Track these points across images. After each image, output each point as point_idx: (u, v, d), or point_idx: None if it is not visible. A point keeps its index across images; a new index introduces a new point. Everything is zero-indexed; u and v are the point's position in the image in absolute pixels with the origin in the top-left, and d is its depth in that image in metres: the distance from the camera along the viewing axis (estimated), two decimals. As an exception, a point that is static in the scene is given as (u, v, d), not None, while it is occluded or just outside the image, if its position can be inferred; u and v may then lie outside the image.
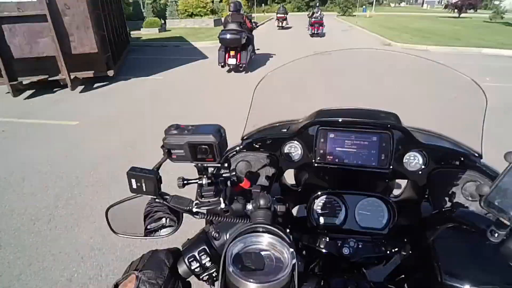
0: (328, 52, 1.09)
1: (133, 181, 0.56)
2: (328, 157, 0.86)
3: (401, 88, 1.14)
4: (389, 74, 1.15)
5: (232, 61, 6.62)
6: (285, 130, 0.95)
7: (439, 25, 18.69)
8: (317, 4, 16.06)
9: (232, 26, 6.55)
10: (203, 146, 0.58)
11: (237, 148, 0.94)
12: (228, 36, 6.41)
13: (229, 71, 7.11)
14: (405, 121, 0.86)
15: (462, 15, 25.56)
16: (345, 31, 17.08)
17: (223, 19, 7.70)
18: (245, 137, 0.96)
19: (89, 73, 6.05)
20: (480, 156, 0.84)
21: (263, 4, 46.64)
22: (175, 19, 18.74)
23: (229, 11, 6.98)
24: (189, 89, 6.10)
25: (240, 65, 6.75)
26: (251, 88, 0.98)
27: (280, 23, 18.12)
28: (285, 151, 0.91)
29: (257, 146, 0.93)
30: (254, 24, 7.97)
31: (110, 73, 6.25)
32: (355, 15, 30.07)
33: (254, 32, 8.03)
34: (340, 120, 0.85)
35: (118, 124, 4.33)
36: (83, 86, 6.16)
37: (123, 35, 10.22)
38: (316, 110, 0.91)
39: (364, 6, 37.44)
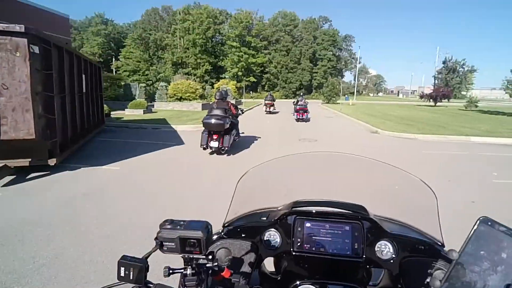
0: (306, 153, 1.30)
1: (122, 269, 0.63)
2: (305, 245, 0.91)
3: (366, 185, 1.25)
4: (357, 173, 1.28)
5: (214, 144, 6.70)
6: (265, 218, 1.01)
7: (419, 113, 19.50)
8: (301, 94, 17.55)
9: (216, 112, 6.79)
10: (192, 240, 0.67)
11: (218, 235, 0.97)
12: (211, 121, 6.60)
13: (211, 153, 7.04)
14: (371, 212, 0.95)
15: (438, 104, 27.47)
16: (330, 118, 17.38)
17: (211, 103, 8.14)
18: (226, 224, 1.01)
19: (24, 162, 4.96)
20: (443, 245, 0.91)
21: (251, 92, 50.50)
22: (163, 102, 19.10)
23: (215, 98, 7.35)
24: (147, 184, 4.98)
25: (222, 148, 6.80)
26: (231, 170, 1.62)
27: (268, 108, 19.25)
28: (265, 239, 0.95)
29: (237, 233, 0.97)
30: (240, 110, 8.34)
31: (52, 161, 5.18)
32: (339, 103, 32.12)
33: (241, 117, 8.68)
34: (313, 211, 0.94)
35: (9, 245, 2.99)
36: (14, 177, 4.98)
37: (97, 116, 9.67)
38: (293, 201, 0.98)
39: (346, 95, 40.74)
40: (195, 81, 44.49)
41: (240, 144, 8.15)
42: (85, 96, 8.19)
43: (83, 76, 7.95)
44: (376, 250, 0.90)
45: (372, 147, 8.27)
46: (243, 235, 0.97)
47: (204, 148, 6.82)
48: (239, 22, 47.67)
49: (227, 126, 6.72)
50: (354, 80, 77.65)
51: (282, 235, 0.94)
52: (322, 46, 50.78)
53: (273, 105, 19.58)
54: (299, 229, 0.92)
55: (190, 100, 19.11)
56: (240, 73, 48.33)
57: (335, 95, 31.73)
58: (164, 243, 0.68)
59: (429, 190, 0.97)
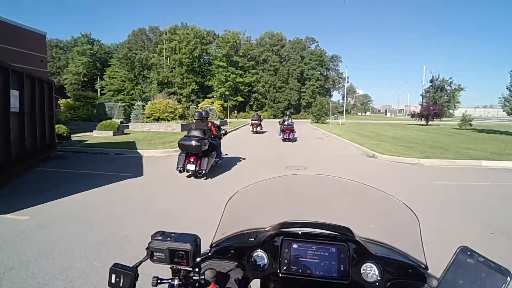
0: (294, 175, 2.25)
1: (113, 276, 0.66)
2: (292, 267, 0.91)
3: (351, 207, 1.27)
4: (342, 195, 1.30)
5: (191, 166, 6.20)
6: (253, 239, 1.00)
7: (413, 133, 18.47)
8: (287, 113, 17.25)
9: (195, 133, 6.44)
10: (181, 252, 0.71)
11: (206, 256, 0.97)
12: (187, 142, 6.19)
13: (188, 176, 6.44)
14: (357, 234, 0.95)
15: (429, 123, 26.79)
16: (320, 139, 16.06)
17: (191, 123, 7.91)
18: (213, 245, 1.01)
19: None
20: (426, 268, 0.91)
21: (236, 111, 49.53)
22: (139, 122, 17.48)
23: (194, 119, 7.04)
24: (52, 249, 3.29)
25: (199, 171, 6.26)
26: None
27: (254, 128, 18.65)
28: (252, 260, 0.95)
29: (225, 253, 0.97)
30: (222, 131, 7.96)
31: None
32: (328, 122, 31.17)
33: (226, 137, 8.68)
34: (300, 232, 0.95)
35: None
36: None
37: (42, 140, 7.96)
38: (280, 222, 0.97)
39: (335, 115, 40.05)
40: (180, 101, 43.34)
41: (222, 166, 7.61)
42: (18, 116, 6.56)
43: (15, 92, 6.35)
44: (362, 272, 0.90)
45: (373, 177, 6.82)
46: (230, 256, 0.97)
47: (180, 171, 6.28)
48: (226, 42, 47.41)
49: (205, 147, 6.27)
50: (342, 99, 78.60)
51: (269, 256, 0.94)
52: (310, 66, 50.84)
53: (259, 124, 18.97)
54: (286, 250, 0.93)
55: (169, 120, 17.56)
56: (227, 93, 47.45)
57: (324, 115, 30.82)
58: (154, 253, 0.73)
59: (412, 214, 0.99)
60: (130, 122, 17.73)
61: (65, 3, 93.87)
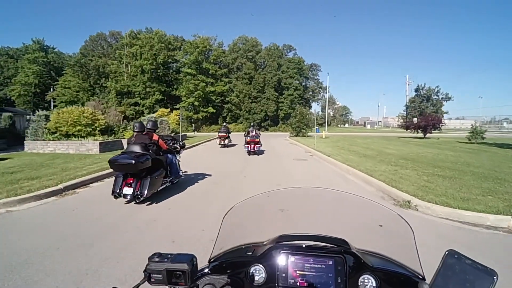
0: (289, 188, 1.37)
1: None
2: (290, 280, 0.90)
3: (346, 219, 1.30)
4: (337, 207, 1.32)
5: (127, 190, 4.90)
6: (250, 253, 1.00)
7: (421, 150, 14.08)
8: (252, 124, 15.90)
9: (133, 148, 5.21)
10: (178, 272, 0.73)
11: (204, 271, 0.96)
12: (119, 160, 4.90)
13: (127, 202, 5.04)
14: (353, 246, 0.94)
15: (427, 135, 22.84)
16: (302, 162, 11.10)
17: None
18: (212, 260, 1.02)
19: None
20: (424, 278, 0.90)
21: (208, 123, 44.35)
22: (39, 141, 11.83)
23: (133, 131, 5.78)
24: None
25: (139, 196, 4.90)
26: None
27: (222, 141, 16.79)
28: (250, 274, 0.94)
29: (223, 268, 0.97)
30: (178, 144, 6.72)
31: None
32: (310, 136, 26.66)
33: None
34: (299, 245, 0.95)
35: None
36: None
37: None
38: (277, 235, 0.98)
39: (317, 127, 35.88)
40: (143, 113, 37.49)
41: (179, 185, 6.34)
42: None
43: None
44: (359, 284, 0.89)
45: None
46: (228, 271, 0.97)
47: (116, 197, 4.95)
48: (195, 47, 42.56)
49: (144, 165, 4.95)
50: (322, 111, 75.59)
51: (267, 270, 0.94)
52: (288, 74, 46.84)
53: (227, 137, 16.97)
54: (284, 263, 0.92)
55: (83, 137, 12.01)
56: (196, 103, 42.22)
57: (305, 127, 26.29)
58: (152, 275, 0.74)
59: (406, 224, 1.00)
60: (26, 140, 11.99)
61: (20, 9, 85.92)
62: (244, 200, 1.17)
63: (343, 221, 1.28)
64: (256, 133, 13.21)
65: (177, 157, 6.65)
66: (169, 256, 0.77)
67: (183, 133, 21.86)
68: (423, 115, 35.09)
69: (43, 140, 11.99)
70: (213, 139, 23.58)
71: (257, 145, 12.63)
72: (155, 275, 0.74)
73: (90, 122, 12.03)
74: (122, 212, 4.67)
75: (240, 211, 1.15)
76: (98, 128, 12.17)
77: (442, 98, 37.49)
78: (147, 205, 5.05)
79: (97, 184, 6.83)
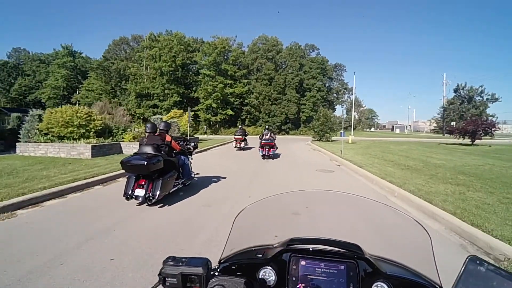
0: (301, 190, 1.27)
1: None
2: (300, 284, 0.88)
3: (360, 224, 1.23)
4: (351, 211, 1.28)
5: (139, 192, 4.83)
6: (261, 255, 0.98)
7: (472, 160, 11.40)
8: (267, 126, 15.27)
9: (145, 149, 5.15)
10: (193, 276, 0.73)
11: (214, 272, 0.94)
12: (132, 161, 4.83)
13: (139, 204, 4.94)
14: (366, 251, 0.91)
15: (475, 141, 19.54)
16: (329, 174, 8.95)
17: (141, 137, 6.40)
18: (222, 260, 1.00)
19: None
20: (441, 287, 0.87)
21: (228, 126, 42.92)
22: (31, 142, 10.63)
23: (145, 132, 5.63)
24: None
25: (151, 197, 4.81)
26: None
27: (238, 144, 16.32)
28: (260, 277, 0.92)
29: (233, 270, 0.96)
30: (191, 145, 6.62)
31: None
32: (333, 140, 24.21)
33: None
34: (309, 248, 0.93)
35: None
36: None
37: None
38: (288, 238, 0.96)
39: (342, 131, 33.18)
40: (160, 114, 36.87)
41: (192, 188, 6.19)
42: None
43: None
44: None
45: None
46: (238, 273, 0.95)
47: (127, 199, 4.85)
48: (214, 48, 41.40)
49: (156, 167, 4.89)
50: (347, 113, 71.95)
51: (277, 273, 0.92)
52: (310, 75, 44.37)
53: (244, 140, 16.46)
54: (294, 267, 0.91)
55: (75, 139, 10.64)
56: (215, 105, 40.94)
57: (329, 130, 23.88)
58: (166, 279, 0.74)
59: (424, 230, 0.96)
60: (18, 142, 10.86)
61: (50, 18, 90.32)
62: (256, 202, 1.16)
63: (357, 225, 1.23)
64: (271, 136, 12.42)
65: (190, 159, 6.51)
66: (184, 259, 0.77)
67: (195, 136, 20.35)
68: (464, 118, 31.35)
69: (35, 142, 10.79)
70: (228, 143, 21.92)
71: (272, 149, 11.88)
72: (169, 279, 0.73)
73: (84, 123, 10.68)
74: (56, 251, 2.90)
75: (251, 213, 1.13)
76: (93, 130, 10.77)
77: (487, 99, 33.22)
78: (159, 207, 4.78)
79: (55, 202, 5.19)
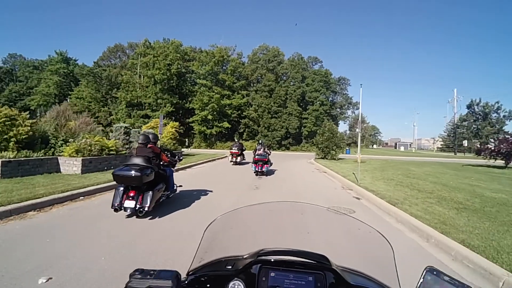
0: (272, 202, 1.30)
1: None
2: None
3: (328, 235, 1.31)
4: (319, 223, 1.35)
5: (129, 203, 4.78)
6: (230, 266, 0.97)
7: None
8: (260, 141, 15.03)
9: (136, 160, 5.12)
10: None
11: (182, 284, 0.92)
12: (123, 172, 4.79)
13: (128, 216, 4.91)
14: (333, 262, 0.93)
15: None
16: (350, 221, 5.84)
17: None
18: (190, 273, 0.98)
19: None
20: None
21: (224, 139, 40.04)
22: None
23: (138, 143, 5.73)
24: None
25: (141, 209, 4.76)
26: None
27: (234, 158, 15.52)
28: None
29: (201, 282, 0.94)
30: (177, 157, 6.62)
31: None
32: (340, 159, 21.19)
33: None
34: (278, 259, 0.93)
35: None
36: None
37: None
38: (258, 249, 0.96)
39: (347, 148, 30.19)
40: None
41: (175, 201, 6.10)
42: None
43: None
44: None
45: None
46: (207, 285, 0.94)
47: (116, 210, 4.78)
48: (211, 57, 39.15)
49: (148, 178, 4.91)
50: (350, 129, 69.07)
51: (247, 285, 0.91)
52: (313, 87, 41.86)
53: (240, 154, 15.69)
54: (264, 278, 0.90)
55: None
56: (210, 117, 38.21)
57: (334, 147, 20.87)
58: None
59: (386, 242, 0.99)
60: None
61: (48, 24, 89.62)
62: (227, 213, 1.16)
63: (325, 237, 1.28)
64: (264, 152, 11.68)
65: (173, 170, 6.46)
66: (152, 272, 0.74)
67: (179, 150, 17.38)
68: (479, 136, 28.46)
69: None
70: (218, 159, 18.92)
71: (265, 165, 11.13)
72: None
73: (2, 129, 7.71)
74: None
75: (222, 224, 1.13)
76: (15, 139, 7.80)
77: (504, 116, 30.38)
78: (149, 219, 4.92)
79: None
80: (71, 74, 49.12)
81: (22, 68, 55.50)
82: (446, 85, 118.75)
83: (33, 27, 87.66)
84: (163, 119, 11.93)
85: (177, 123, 18.88)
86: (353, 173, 12.00)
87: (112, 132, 11.18)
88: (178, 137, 18.06)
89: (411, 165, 18.18)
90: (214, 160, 18.17)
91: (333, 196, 7.56)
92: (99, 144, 9.51)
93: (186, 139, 21.57)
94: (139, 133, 14.30)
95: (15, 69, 58.01)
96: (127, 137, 11.09)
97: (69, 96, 46.02)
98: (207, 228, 1.07)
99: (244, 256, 1.00)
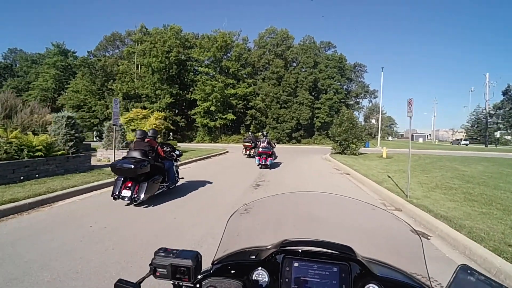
0: (295, 192, 1.31)
1: None
2: (293, 286, 0.88)
3: (353, 226, 1.24)
4: (344, 213, 1.27)
5: (126, 193, 5.28)
6: (254, 256, 0.98)
7: None
8: (264, 132, 13.76)
9: (133, 153, 5.57)
10: (182, 268, 0.76)
11: (207, 273, 0.94)
12: (119, 165, 5.23)
13: (127, 205, 5.36)
14: (359, 253, 0.90)
15: None
16: None
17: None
18: (215, 262, 0.99)
19: None
20: None
21: (221, 134, 36.86)
22: None
23: (135, 137, 6.07)
24: None
25: (135, 198, 5.22)
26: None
27: (247, 151, 14.98)
28: (253, 278, 0.92)
29: (226, 271, 0.95)
30: (175, 153, 6.76)
31: None
32: (361, 154, 17.63)
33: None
34: (302, 250, 0.92)
35: None
36: None
37: None
38: (281, 240, 0.95)
39: (367, 141, 26.46)
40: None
41: (178, 191, 6.35)
42: None
43: None
44: None
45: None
46: (231, 274, 0.94)
47: (115, 199, 5.30)
48: (213, 42, 35.75)
49: (142, 170, 5.30)
50: (365, 121, 64.55)
51: (270, 275, 0.92)
52: (326, 74, 37.93)
53: (253, 147, 14.57)
54: (287, 268, 0.91)
55: None
56: (213, 108, 35.02)
57: (355, 140, 17.33)
58: (157, 269, 0.77)
59: (415, 234, 0.98)
60: None
61: (47, 17, 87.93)
62: (250, 203, 1.16)
63: (350, 228, 1.23)
64: (268, 144, 11.37)
65: (176, 164, 6.75)
66: (175, 251, 0.79)
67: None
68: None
69: None
70: (214, 155, 15.74)
71: (269, 158, 10.95)
72: (160, 269, 0.76)
73: None
74: None
75: (245, 214, 1.13)
76: None
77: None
78: (144, 207, 5.04)
79: None
80: (69, 67, 46.80)
81: (21, 63, 53.73)
82: (466, 74, 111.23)
83: (33, 20, 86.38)
84: (118, 103, 8.70)
85: (162, 113, 15.85)
86: (388, 176, 8.55)
87: (53, 124, 8.12)
88: (164, 130, 14.93)
89: (452, 161, 14.42)
90: (207, 157, 14.99)
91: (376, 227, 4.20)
92: (15, 143, 6.45)
93: (171, 133, 18.40)
94: (109, 127, 11.29)
95: (15, 64, 56.38)
96: (72, 131, 7.99)
97: (64, 90, 43.77)
98: (230, 218, 1.07)
99: (268, 247, 1.00)
